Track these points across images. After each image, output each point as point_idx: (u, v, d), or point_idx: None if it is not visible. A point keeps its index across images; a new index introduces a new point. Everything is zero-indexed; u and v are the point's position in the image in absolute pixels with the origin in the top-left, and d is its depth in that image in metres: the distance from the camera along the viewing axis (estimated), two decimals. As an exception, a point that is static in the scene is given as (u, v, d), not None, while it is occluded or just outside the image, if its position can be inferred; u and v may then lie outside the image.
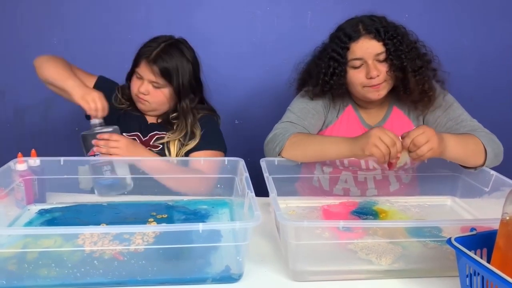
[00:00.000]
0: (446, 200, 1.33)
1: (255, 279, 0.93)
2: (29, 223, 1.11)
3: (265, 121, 2.10)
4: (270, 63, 2.00)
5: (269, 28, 1.96)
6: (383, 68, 1.30)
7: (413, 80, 1.31)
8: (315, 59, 1.41)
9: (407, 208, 1.25)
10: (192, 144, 1.41)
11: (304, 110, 1.39)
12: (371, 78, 1.29)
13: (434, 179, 1.35)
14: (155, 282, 0.89)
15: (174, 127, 1.42)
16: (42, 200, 1.23)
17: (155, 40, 1.40)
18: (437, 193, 1.35)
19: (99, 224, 1.07)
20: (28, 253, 0.89)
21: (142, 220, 1.12)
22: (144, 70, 1.36)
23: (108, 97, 1.38)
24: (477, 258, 0.78)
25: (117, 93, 1.47)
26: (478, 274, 0.78)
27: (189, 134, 1.43)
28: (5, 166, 1.16)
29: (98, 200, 1.24)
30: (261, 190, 1.14)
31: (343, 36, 1.32)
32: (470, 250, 0.83)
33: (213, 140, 1.45)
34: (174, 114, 1.44)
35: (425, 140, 1.07)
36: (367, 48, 1.29)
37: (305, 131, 1.34)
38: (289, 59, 2.00)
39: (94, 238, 0.91)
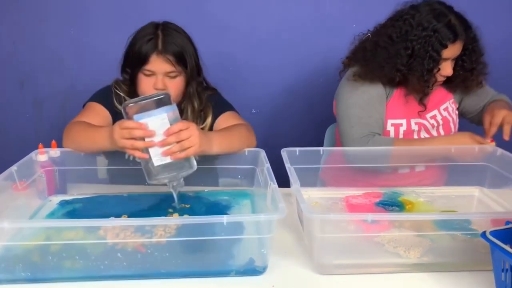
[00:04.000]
0: (474, 191, 1.29)
1: (280, 272, 0.91)
2: (51, 215, 1.11)
3: (283, 109, 2.08)
4: (288, 50, 1.96)
5: (286, 14, 1.92)
6: (452, 65, 1.36)
7: (475, 80, 1.42)
8: (396, 48, 1.34)
9: (434, 199, 1.21)
10: (206, 123, 1.35)
11: (370, 101, 1.38)
12: (446, 75, 1.35)
13: (461, 169, 1.31)
14: (179, 275, 0.88)
15: (184, 114, 1.33)
16: (63, 191, 1.23)
17: (146, 31, 1.27)
18: (464, 183, 1.30)
19: (120, 216, 1.07)
20: (51, 244, 0.89)
21: (162, 211, 1.10)
22: (156, 64, 1.23)
23: (110, 101, 1.32)
24: (515, 253, 0.74)
25: (122, 94, 1.33)
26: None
27: (202, 117, 1.35)
28: (27, 157, 1.16)
29: (119, 191, 1.23)
30: (280, 180, 1.11)
31: (444, 36, 1.30)
32: (505, 244, 0.80)
33: (224, 104, 1.40)
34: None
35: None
36: (457, 50, 1.33)
37: (381, 125, 1.39)
38: (307, 45, 1.98)
39: (116, 230, 0.90)
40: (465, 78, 1.41)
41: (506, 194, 1.23)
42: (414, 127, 1.42)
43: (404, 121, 1.41)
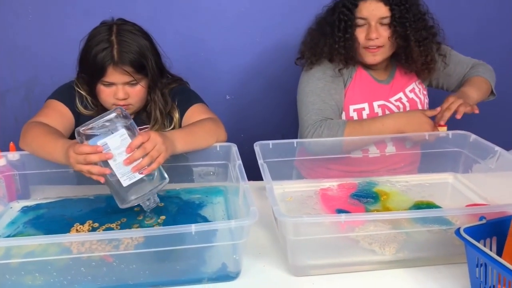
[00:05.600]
0: (448, 177, 1.29)
1: (254, 276, 0.89)
2: (12, 223, 1.05)
3: (258, 95, 2.03)
4: (261, 33, 1.90)
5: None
6: (385, 32, 1.32)
7: (416, 50, 1.34)
8: (326, 17, 1.41)
9: (408, 189, 1.20)
10: (174, 122, 1.30)
11: (325, 88, 1.37)
12: (369, 39, 1.32)
13: (435, 155, 1.31)
14: (148, 285, 0.84)
15: (151, 121, 1.28)
16: (25, 195, 1.17)
17: (99, 37, 1.18)
18: (438, 170, 1.30)
19: (86, 221, 1.02)
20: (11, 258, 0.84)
21: (130, 212, 1.06)
22: (114, 76, 1.17)
23: (73, 100, 1.25)
24: (490, 252, 0.74)
25: (85, 100, 1.26)
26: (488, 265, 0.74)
27: (168, 117, 1.31)
28: (-18, 163, 1.09)
29: (85, 192, 1.18)
30: (257, 171, 1.08)
31: None
32: (479, 240, 0.79)
33: (189, 97, 1.33)
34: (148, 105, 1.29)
35: (458, 105, 1.27)
36: (373, 10, 1.31)
37: (336, 111, 1.37)
38: (280, 27, 1.92)
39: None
40: (406, 48, 1.34)
41: (479, 180, 1.23)
42: (377, 109, 1.40)
43: (366, 105, 1.40)
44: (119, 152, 0.94)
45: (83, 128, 0.95)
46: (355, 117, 1.40)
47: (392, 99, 1.43)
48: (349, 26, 1.33)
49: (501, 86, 1.56)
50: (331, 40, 1.36)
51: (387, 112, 1.41)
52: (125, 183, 0.95)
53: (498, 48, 1.98)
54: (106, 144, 0.93)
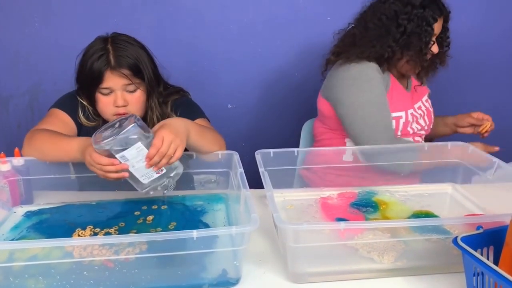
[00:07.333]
0: (447, 188, 1.30)
1: (254, 282, 0.90)
2: (16, 228, 1.06)
3: (259, 104, 2.06)
4: (262, 45, 1.93)
5: (260, 8, 1.88)
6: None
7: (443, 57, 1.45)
8: (387, 27, 1.36)
9: (407, 198, 1.22)
10: None
11: (381, 98, 1.37)
12: (432, 53, 1.38)
13: (435, 166, 1.32)
14: (149, 290, 0.85)
15: (149, 126, 1.30)
16: (29, 200, 1.18)
17: (95, 47, 1.20)
18: (437, 180, 1.31)
19: (87, 226, 1.03)
20: (14, 261, 0.85)
21: (131, 217, 1.08)
22: (112, 80, 1.17)
23: (75, 110, 1.27)
24: (486, 261, 0.75)
25: (87, 111, 1.28)
26: (484, 274, 0.75)
27: None
28: (-13, 168, 1.10)
29: (88, 198, 1.19)
30: (258, 178, 1.09)
31: (434, 10, 1.34)
32: (476, 249, 0.80)
33: (192, 111, 1.34)
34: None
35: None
36: (440, 25, 1.38)
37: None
38: (281, 40, 1.95)
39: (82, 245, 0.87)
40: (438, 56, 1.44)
41: (477, 190, 1.24)
42: (410, 118, 1.44)
43: (403, 113, 1.43)
44: (137, 160, 1.00)
45: (99, 146, 0.98)
46: (393, 125, 1.41)
47: (416, 106, 1.48)
48: (430, 40, 1.35)
49: (501, 102, 1.59)
50: (394, 42, 1.35)
51: (414, 120, 1.45)
52: (144, 181, 1.03)
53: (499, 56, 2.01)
54: (124, 156, 0.98)
